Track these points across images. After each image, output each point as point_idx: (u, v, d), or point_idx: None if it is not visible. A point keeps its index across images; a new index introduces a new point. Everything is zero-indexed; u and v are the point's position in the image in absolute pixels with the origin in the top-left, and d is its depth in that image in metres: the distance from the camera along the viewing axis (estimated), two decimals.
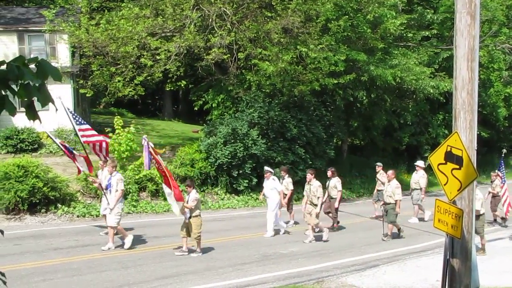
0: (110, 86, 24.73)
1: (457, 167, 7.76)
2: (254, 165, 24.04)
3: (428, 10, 33.42)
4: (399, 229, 16.91)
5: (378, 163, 21.89)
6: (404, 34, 30.55)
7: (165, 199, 21.53)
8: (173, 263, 12.88)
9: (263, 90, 26.80)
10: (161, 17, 24.16)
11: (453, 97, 8.11)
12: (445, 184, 8.02)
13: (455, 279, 8.07)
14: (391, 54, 29.21)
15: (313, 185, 15.70)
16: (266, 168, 17.62)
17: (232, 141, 23.92)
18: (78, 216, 18.84)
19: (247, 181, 23.90)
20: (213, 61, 24.99)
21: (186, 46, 23.88)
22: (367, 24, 27.56)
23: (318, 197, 15.59)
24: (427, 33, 32.64)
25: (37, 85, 3.92)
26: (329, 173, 18.09)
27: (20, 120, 22.86)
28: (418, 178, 20.34)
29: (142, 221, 19.00)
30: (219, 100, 30.04)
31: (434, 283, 11.05)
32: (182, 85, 27.04)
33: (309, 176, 16.07)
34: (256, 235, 16.76)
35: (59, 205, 19.15)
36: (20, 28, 27.67)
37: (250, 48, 25.02)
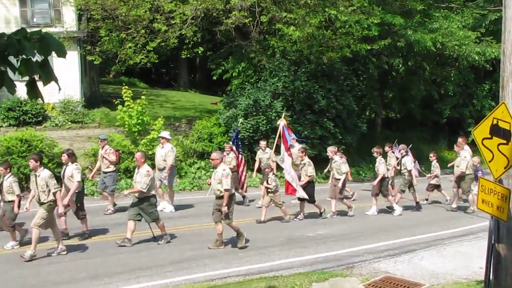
0: (120, 53, 24.79)
1: (504, 141, 7.64)
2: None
3: None
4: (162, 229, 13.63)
5: (101, 136, 18.06)
6: None
7: (180, 177, 21.75)
8: (189, 246, 12.98)
9: (288, 57, 26.62)
10: None
11: (500, 64, 7.97)
12: (490, 161, 7.93)
13: (500, 266, 8.01)
14: (431, 16, 28.77)
15: (39, 176, 12.10)
16: None
17: (254, 113, 23.90)
18: (86, 195, 18.96)
19: None
20: (233, 26, 24.85)
21: (203, 8, 23.77)
22: None
23: (49, 191, 12.11)
24: None
25: (39, 61, 3.88)
26: (63, 158, 14.06)
27: (23, 90, 23.10)
28: (165, 153, 17.17)
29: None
30: (240, 68, 29.97)
31: (476, 271, 10.98)
32: (199, 52, 27.00)
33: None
34: (280, 216, 16.80)
35: None
36: None
37: (274, 11, 24.82)
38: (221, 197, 12.46)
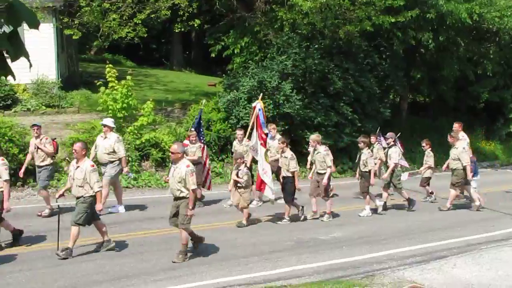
0: (103, 26, 24.73)
1: None
2: (287, 127, 23.96)
3: None
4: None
5: (36, 122, 17.66)
6: None
7: None
8: None
9: (299, 31, 26.52)
10: None
11: None
12: None
13: None
14: None
15: None
16: None
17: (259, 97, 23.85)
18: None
19: None
20: None
21: None
22: None
23: None
24: None
25: (7, 32, 3.83)
26: None
27: None
28: (111, 144, 16.52)
29: (144, 197, 19.16)
30: (243, 44, 29.88)
31: None
32: (195, 26, 26.91)
33: None
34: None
35: None
36: None
37: None
38: (181, 198, 12.25)
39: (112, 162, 16.50)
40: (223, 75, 28.90)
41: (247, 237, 14.44)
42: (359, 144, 17.68)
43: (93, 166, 12.58)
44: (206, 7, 33.45)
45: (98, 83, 23.01)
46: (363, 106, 26.97)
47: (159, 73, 39.22)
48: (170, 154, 13.15)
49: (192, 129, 18.62)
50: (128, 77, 22.33)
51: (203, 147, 18.36)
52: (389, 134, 19.27)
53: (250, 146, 17.56)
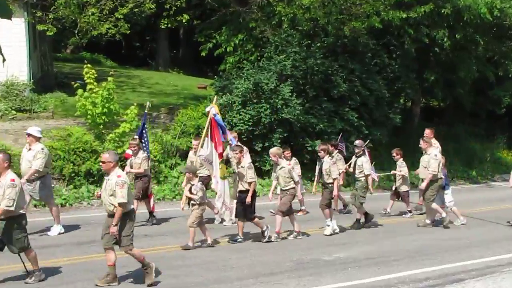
0: (81, 21, 24.72)
1: None
2: (285, 135, 23.97)
3: None
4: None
5: None
6: None
7: (159, 182, 21.80)
8: (169, 272, 12.93)
9: (300, 28, 26.58)
10: None
11: None
12: None
13: None
14: None
15: None
16: None
17: (255, 101, 23.87)
18: (36, 206, 18.94)
19: None
20: None
21: None
22: None
23: None
24: None
25: None
26: None
27: None
28: (34, 156, 15.75)
29: None
30: (237, 42, 29.93)
31: None
32: (184, 21, 26.96)
33: None
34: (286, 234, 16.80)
35: None
36: None
37: None
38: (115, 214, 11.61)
39: (40, 178, 15.80)
40: (215, 76, 28.96)
41: (242, 257, 14.40)
42: (319, 153, 17.48)
43: (13, 180, 11.72)
44: (196, 0, 33.52)
45: (75, 85, 22.93)
46: (370, 112, 27.01)
47: (143, 74, 39.19)
48: (101, 164, 12.69)
49: (136, 136, 18.17)
50: (109, 78, 22.30)
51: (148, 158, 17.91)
52: (358, 142, 19.14)
53: (203, 157, 17.17)
